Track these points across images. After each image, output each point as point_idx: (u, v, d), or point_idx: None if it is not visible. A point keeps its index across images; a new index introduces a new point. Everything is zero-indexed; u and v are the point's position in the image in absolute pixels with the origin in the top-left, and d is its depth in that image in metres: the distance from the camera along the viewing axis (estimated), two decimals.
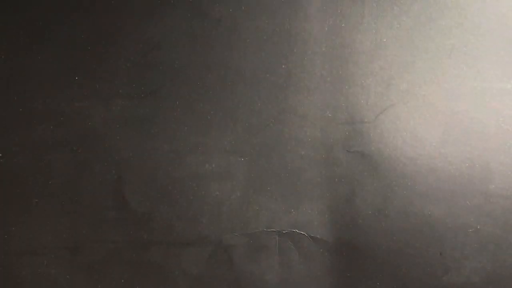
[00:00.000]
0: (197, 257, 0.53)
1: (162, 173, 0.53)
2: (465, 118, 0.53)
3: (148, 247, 0.53)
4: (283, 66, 0.53)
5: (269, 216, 0.53)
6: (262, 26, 0.54)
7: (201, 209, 0.53)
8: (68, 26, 0.54)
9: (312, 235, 0.53)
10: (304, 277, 0.53)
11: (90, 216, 0.53)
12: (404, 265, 0.52)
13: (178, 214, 0.53)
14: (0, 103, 0.54)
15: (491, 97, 0.53)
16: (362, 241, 0.52)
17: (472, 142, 0.53)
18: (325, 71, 0.54)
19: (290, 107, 0.53)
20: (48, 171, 0.53)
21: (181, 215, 0.53)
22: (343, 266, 0.53)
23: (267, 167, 0.53)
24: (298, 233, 0.53)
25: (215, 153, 0.53)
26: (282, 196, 0.53)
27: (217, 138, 0.53)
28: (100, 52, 0.53)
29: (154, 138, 0.53)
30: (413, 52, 0.54)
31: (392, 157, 0.53)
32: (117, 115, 0.53)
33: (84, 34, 0.54)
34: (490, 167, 0.53)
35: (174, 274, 0.53)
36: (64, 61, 0.53)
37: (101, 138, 0.53)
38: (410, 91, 0.53)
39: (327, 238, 0.53)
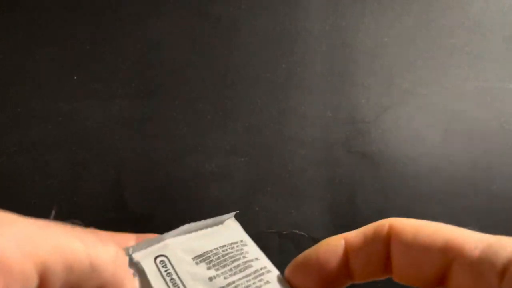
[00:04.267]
0: None
1: (162, 173, 0.53)
2: (467, 118, 0.53)
3: None
4: (283, 66, 0.53)
5: (269, 216, 0.53)
6: (262, 26, 0.54)
7: (201, 209, 0.53)
8: (66, 26, 0.53)
9: (313, 236, 0.53)
10: None
11: (89, 216, 0.53)
12: None
13: (178, 214, 0.52)
14: None
15: (493, 97, 0.53)
16: None
17: (474, 142, 0.53)
18: (326, 70, 0.53)
19: (290, 107, 0.53)
20: (47, 171, 0.53)
21: (181, 215, 0.52)
22: None
23: (267, 167, 0.53)
24: (299, 233, 0.53)
25: (215, 153, 0.53)
26: (282, 196, 0.53)
27: (217, 138, 0.53)
28: (99, 51, 0.53)
29: (153, 138, 0.53)
30: (414, 51, 0.53)
31: (393, 157, 0.53)
32: (116, 115, 0.53)
33: (83, 34, 0.53)
34: (492, 167, 0.52)
35: None
36: (63, 60, 0.53)
37: (100, 138, 0.53)
38: (411, 91, 0.53)
39: None
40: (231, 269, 0.21)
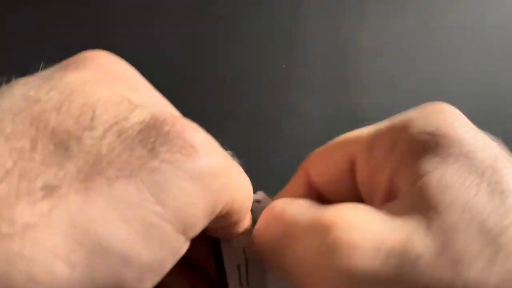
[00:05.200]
0: None
1: None
2: (469, 119, 0.52)
3: None
4: (283, 66, 0.53)
5: None
6: (262, 25, 0.54)
7: None
8: (66, 26, 0.53)
9: None
10: None
11: None
12: None
13: None
14: None
15: (494, 97, 0.52)
16: None
17: None
18: (326, 70, 0.53)
19: (290, 107, 0.53)
20: None
21: None
22: None
23: (267, 167, 0.53)
24: None
25: None
26: None
27: (217, 138, 0.53)
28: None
29: None
30: (415, 51, 0.53)
31: None
32: None
33: (83, 34, 0.53)
34: None
35: None
36: (63, 60, 0.53)
37: None
38: (412, 91, 0.53)
39: None
40: None
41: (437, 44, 0.53)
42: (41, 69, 0.16)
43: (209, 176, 0.12)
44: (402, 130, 0.17)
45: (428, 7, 0.54)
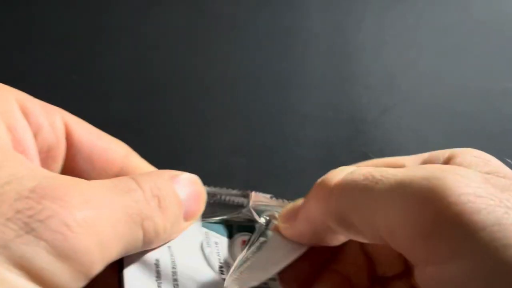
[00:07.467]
0: None
1: None
2: (468, 118, 0.52)
3: None
4: (283, 65, 0.53)
5: None
6: (262, 24, 0.54)
7: None
8: (66, 25, 0.53)
9: None
10: None
11: None
12: None
13: None
14: None
15: (495, 96, 0.52)
16: None
17: (475, 142, 0.52)
18: (327, 69, 0.53)
19: (290, 107, 0.53)
20: None
21: None
22: None
23: (267, 167, 0.53)
24: None
25: (215, 153, 0.52)
26: (282, 196, 0.53)
27: (217, 138, 0.52)
28: (98, 51, 0.53)
29: (154, 138, 0.53)
30: (416, 50, 0.53)
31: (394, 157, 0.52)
32: (116, 115, 0.53)
33: (82, 33, 0.53)
34: None
35: None
36: (61, 60, 0.53)
37: None
38: (413, 90, 0.53)
39: None
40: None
41: (438, 44, 0.53)
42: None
43: (76, 256, 0.13)
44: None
45: (429, 7, 0.54)
